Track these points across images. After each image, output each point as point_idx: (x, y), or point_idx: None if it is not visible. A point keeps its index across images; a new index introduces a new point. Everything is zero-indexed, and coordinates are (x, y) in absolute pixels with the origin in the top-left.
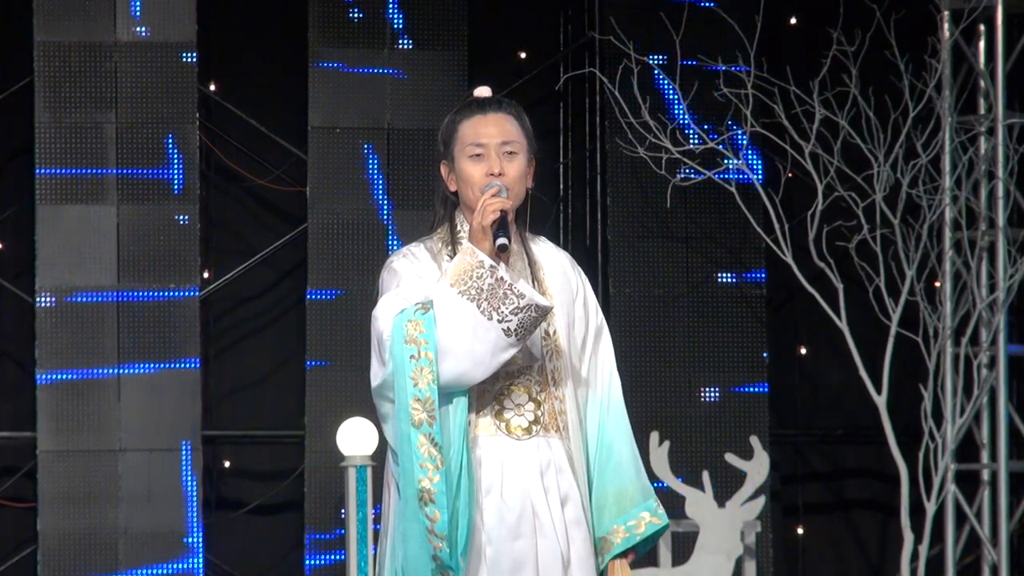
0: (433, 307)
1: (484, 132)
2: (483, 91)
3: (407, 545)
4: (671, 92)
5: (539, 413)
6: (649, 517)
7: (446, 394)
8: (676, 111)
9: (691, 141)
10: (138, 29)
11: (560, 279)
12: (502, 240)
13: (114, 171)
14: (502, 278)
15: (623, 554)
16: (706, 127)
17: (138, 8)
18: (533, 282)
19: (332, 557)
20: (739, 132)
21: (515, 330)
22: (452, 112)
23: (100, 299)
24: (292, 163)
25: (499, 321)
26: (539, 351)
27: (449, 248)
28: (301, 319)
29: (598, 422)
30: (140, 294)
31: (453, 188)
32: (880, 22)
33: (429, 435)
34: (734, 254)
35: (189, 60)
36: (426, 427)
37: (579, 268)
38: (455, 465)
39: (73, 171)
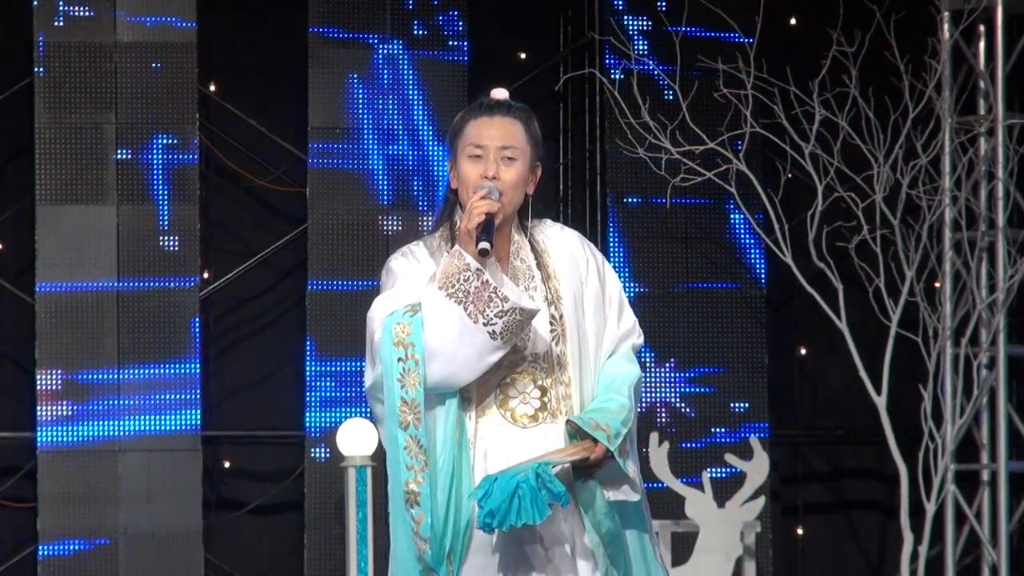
0: (421, 309)
1: (486, 134)
2: (498, 93)
3: (397, 544)
4: (670, 93)
5: (545, 400)
6: (607, 429)
7: (436, 396)
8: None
9: (690, 142)
10: (138, 29)
11: (567, 262)
12: (483, 245)
13: (114, 172)
14: (487, 281)
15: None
16: (706, 127)
17: (138, 8)
18: (539, 269)
19: (331, 557)
20: (739, 133)
21: (501, 333)
22: (464, 110)
23: (100, 299)
24: (292, 163)
25: (485, 324)
26: (544, 340)
27: (448, 245)
28: (301, 319)
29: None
30: (140, 294)
31: (455, 185)
32: (880, 23)
33: (415, 437)
34: (734, 254)
35: (189, 60)
36: (412, 429)
37: (590, 244)
38: (444, 468)
39: (73, 171)
